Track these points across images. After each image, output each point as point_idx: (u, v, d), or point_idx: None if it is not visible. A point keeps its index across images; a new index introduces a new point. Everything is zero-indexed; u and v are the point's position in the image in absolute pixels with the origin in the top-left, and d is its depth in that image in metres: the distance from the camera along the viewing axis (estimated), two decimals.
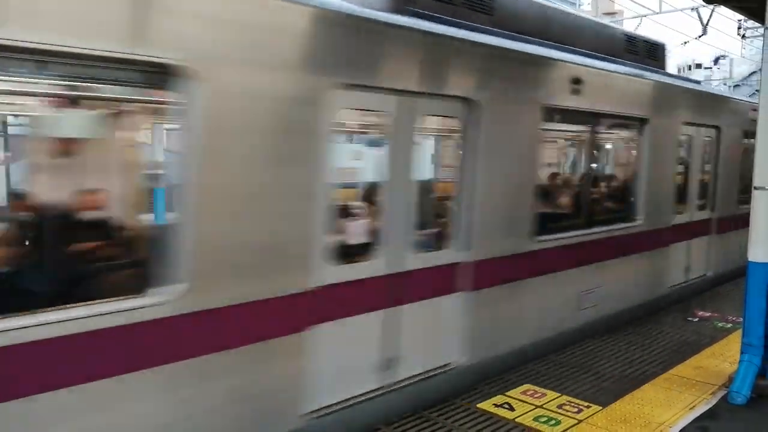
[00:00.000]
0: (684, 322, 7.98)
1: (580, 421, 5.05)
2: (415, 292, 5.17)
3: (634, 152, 8.23)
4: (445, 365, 5.48)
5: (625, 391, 5.66)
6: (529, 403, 5.36)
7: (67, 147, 4.15)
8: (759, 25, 13.79)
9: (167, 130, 4.03)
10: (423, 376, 5.29)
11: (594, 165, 7.99)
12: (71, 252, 3.90)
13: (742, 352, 5.74)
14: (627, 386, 5.79)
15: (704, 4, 11.25)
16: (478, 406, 5.28)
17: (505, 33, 6.03)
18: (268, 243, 4.08)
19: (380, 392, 4.96)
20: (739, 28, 21.75)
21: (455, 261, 5.50)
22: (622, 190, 8.29)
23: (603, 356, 6.60)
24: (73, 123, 4.17)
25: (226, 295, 3.85)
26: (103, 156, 4.50)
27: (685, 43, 22.66)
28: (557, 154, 8.72)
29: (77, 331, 3.27)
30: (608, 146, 8.84)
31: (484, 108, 5.45)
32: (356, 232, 4.97)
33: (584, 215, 7.30)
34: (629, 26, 19.08)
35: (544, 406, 5.33)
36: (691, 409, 5.34)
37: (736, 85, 34.56)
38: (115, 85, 3.74)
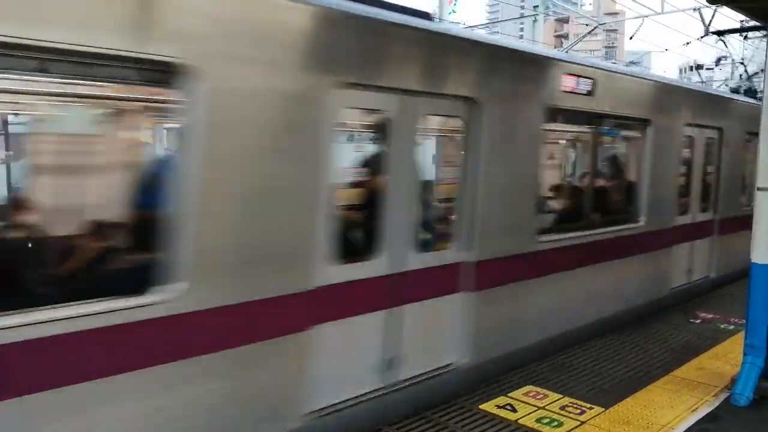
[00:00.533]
0: (686, 323, 7.98)
1: (582, 423, 5.05)
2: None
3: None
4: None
5: (627, 393, 5.65)
6: (532, 405, 5.35)
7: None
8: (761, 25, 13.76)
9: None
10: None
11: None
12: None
13: (744, 354, 5.72)
14: (629, 388, 5.78)
15: (707, 4, 11.23)
16: (481, 407, 5.28)
17: None
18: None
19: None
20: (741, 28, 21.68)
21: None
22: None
23: (605, 358, 6.59)
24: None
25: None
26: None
27: (687, 43, 22.59)
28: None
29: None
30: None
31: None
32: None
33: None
34: (631, 27, 19.07)
35: (546, 407, 5.32)
36: (693, 411, 5.33)
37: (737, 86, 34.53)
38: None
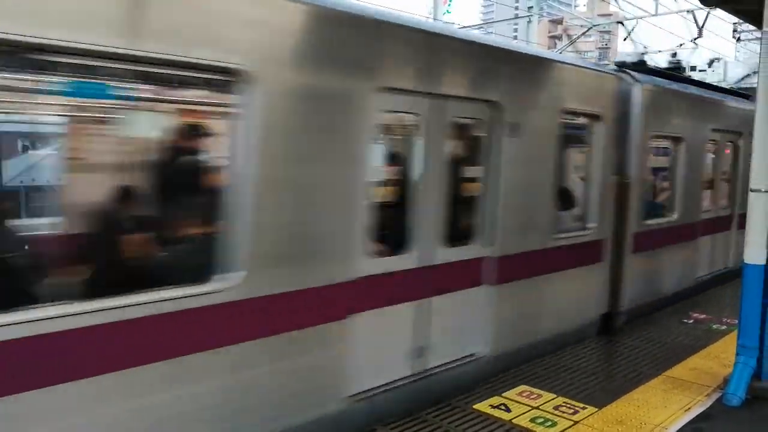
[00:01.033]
0: (679, 324, 8.01)
1: (576, 423, 5.06)
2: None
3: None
4: (470, 355, 5.77)
5: (620, 393, 5.67)
6: (526, 404, 5.36)
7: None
8: (754, 28, 13.85)
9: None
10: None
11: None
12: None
13: (737, 354, 5.75)
14: (622, 388, 5.80)
15: (701, 6, 11.27)
16: (475, 407, 5.28)
17: None
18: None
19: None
20: (734, 31, 21.82)
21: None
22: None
23: (599, 358, 6.61)
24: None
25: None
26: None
27: (681, 45, 22.69)
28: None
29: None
30: None
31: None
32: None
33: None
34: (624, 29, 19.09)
35: (540, 407, 5.33)
36: (686, 410, 5.35)
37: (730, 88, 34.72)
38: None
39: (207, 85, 3.97)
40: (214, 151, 4.41)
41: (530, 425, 4.99)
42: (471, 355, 5.77)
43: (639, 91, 7.75)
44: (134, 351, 3.53)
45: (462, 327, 5.69)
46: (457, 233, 5.61)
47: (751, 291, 5.70)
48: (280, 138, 4.08)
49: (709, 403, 5.53)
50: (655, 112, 8.10)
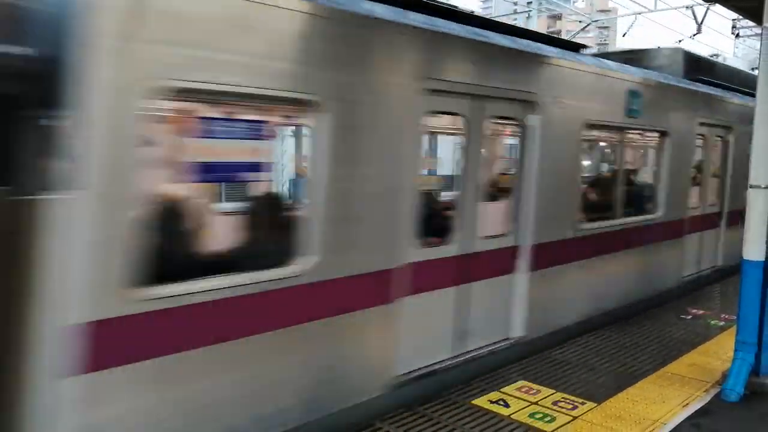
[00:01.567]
0: (678, 319, 8.02)
1: (574, 418, 5.06)
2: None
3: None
4: (505, 339, 6.21)
5: (619, 388, 5.68)
6: (524, 400, 5.37)
7: None
8: (753, 24, 13.81)
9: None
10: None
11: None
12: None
13: (735, 350, 5.76)
14: (621, 383, 5.81)
15: (701, 2, 11.25)
16: (473, 402, 5.29)
17: None
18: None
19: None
20: (733, 27, 21.79)
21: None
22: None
23: (597, 353, 6.62)
24: None
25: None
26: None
27: (680, 41, 22.66)
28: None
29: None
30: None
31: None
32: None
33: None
34: (624, 24, 19.09)
35: (539, 402, 5.34)
36: (684, 406, 5.36)
37: None
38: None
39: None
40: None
41: (529, 420, 4.99)
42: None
43: None
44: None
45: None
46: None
47: (749, 287, 5.71)
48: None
49: (707, 398, 5.54)
50: None
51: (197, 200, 4.48)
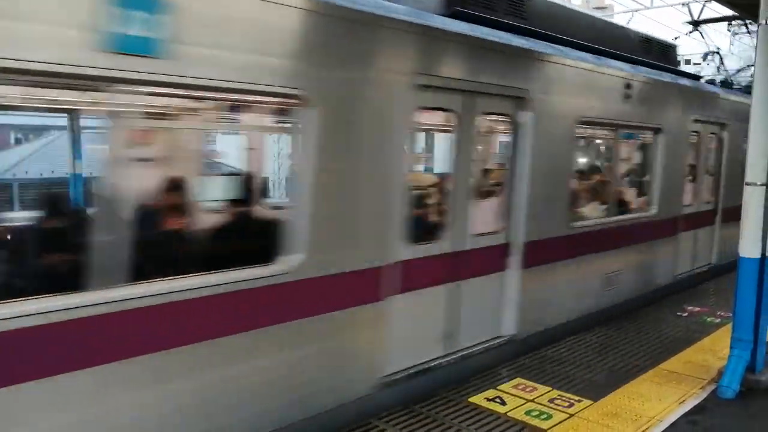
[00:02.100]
0: (674, 317, 8.03)
1: (571, 416, 5.06)
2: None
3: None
4: (497, 337, 6.20)
5: (615, 386, 5.68)
6: (521, 397, 5.37)
7: None
8: (749, 21, 13.82)
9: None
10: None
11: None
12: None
13: (731, 347, 5.77)
14: (617, 381, 5.81)
15: None
16: (470, 400, 5.28)
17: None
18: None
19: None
20: (729, 24, 21.76)
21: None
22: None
23: (593, 351, 6.62)
24: None
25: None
26: None
27: (676, 38, 22.67)
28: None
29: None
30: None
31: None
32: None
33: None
34: (619, 21, 19.08)
35: (535, 400, 5.34)
36: (680, 403, 5.37)
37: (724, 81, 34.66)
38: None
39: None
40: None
41: (525, 418, 4.99)
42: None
43: None
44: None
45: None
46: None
47: (745, 284, 5.71)
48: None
49: (703, 395, 5.54)
50: None
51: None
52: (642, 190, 8.91)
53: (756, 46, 5.75)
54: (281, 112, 4.54)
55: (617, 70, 7.57)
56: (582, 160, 8.87)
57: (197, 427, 3.90)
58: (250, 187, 5.40)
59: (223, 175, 6.21)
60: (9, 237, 5.04)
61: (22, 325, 3.14)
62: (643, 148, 9.14)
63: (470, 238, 5.79)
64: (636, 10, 19.53)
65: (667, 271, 9.14)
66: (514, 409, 5.15)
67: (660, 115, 8.45)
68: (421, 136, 6.78)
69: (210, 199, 5.52)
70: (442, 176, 5.75)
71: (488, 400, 5.30)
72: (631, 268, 8.27)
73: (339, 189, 4.57)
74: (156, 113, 4.31)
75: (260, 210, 5.31)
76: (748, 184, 5.63)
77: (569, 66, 6.74)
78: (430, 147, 7.50)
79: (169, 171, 4.82)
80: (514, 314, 6.26)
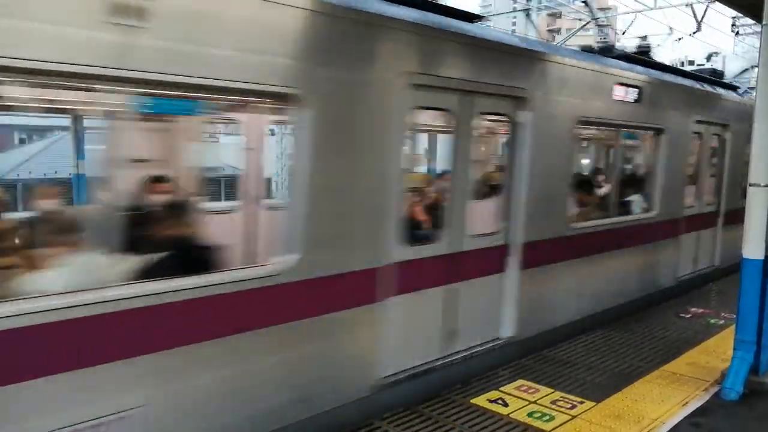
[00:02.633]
0: (677, 318, 8.01)
1: (573, 417, 5.05)
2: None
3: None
4: (495, 339, 6.13)
5: (618, 387, 5.66)
6: (523, 399, 5.35)
7: None
8: (753, 22, 13.79)
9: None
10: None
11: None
12: None
13: (735, 349, 5.74)
14: (620, 382, 5.79)
15: (701, 0, 11.21)
16: (472, 401, 5.27)
17: None
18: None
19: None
20: (733, 24, 21.73)
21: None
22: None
23: (596, 352, 6.60)
24: None
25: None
26: None
27: (679, 39, 22.62)
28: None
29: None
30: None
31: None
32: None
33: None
34: (623, 22, 19.07)
35: (537, 401, 5.32)
36: (684, 405, 5.35)
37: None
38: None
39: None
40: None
41: (528, 420, 4.98)
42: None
43: None
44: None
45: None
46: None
47: (749, 286, 5.69)
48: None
49: (706, 397, 5.52)
50: None
51: None
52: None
53: (760, 47, 5.73)
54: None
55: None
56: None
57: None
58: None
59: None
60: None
61: None
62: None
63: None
64: (640, 11, 19.47)
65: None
66: (516, 410, 5.13)
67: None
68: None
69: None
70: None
71: (491, 401, 5.29)
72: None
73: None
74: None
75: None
76: (751, 185, 5.61)
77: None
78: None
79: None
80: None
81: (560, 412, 5.14)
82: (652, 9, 18.89)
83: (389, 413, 4.95)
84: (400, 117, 4.93)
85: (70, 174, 6.65)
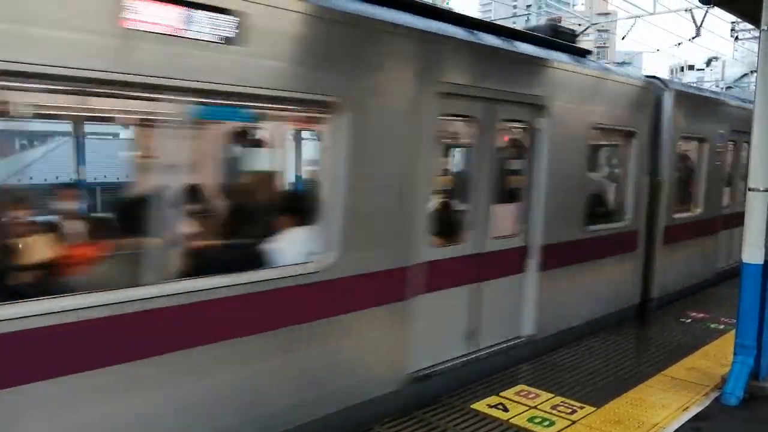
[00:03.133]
0: (677, 323, 8.00)
1: (574, 422, 5.04)
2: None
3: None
4: (516, 337, 6.35)
5: (618, 392, 5.66)
6: (523, 404, 5.35)
7: None
8: (752, 26, 13.83)
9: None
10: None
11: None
12: None
13: (735, 353, 5.74)
14: (620, 387, 5.79)
15: (699, 5, 11.25)
16: (472, 406, 5.27)
17: None
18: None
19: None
20: (732, 29, 21.81)
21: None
22: None
23: (596, 357, 6.60)
24: None
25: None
26: None
27: (679, 44, 22.67)
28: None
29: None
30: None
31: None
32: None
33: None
34: (623, 27, 19.11)
35: (538, 406, 5.32)
36: (684, 410, 5.34)
37: (728, 87, 34.69)
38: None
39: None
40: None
41: (528, 425, 4.97)
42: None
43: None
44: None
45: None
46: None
47: (749, 290, 5.69)
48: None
49: (707, 402, 5.52)
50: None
51: None
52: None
53: (758, 52, 5.75)
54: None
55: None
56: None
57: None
58: None
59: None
60: None
61: None
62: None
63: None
64: (638, 16, 19.53)
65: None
66: (516, 415, 5.13)
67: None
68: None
69: None
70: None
71: (490, 406, 5.28)
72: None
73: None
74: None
75: None
76: (750, 189, 5.62)
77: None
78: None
79: None
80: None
81: (560, 417, 5.13)
82: (651, 14, 18.94)
83: (389, 418, 4.94)
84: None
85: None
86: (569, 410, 5.27)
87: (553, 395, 5.55)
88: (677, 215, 8.81)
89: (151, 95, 3.63)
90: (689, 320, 8.13)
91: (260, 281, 4.11)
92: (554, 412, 5.23)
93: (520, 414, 5.16)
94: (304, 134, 7.57)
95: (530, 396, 5.52)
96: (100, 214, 7.13)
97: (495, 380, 5.82)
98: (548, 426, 4.96)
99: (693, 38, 17.33)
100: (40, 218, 5.12)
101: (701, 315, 8.34)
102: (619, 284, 7.90)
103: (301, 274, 4.30)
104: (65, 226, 5.03)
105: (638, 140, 7.87)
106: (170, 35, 3.52)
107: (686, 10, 16.89)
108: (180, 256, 3.87)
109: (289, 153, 6.99)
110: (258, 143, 6.50)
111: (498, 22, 7.58)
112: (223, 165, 6.22)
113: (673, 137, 8.44)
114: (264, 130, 6.45)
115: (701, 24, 16.64)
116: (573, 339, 6.96)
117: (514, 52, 6.05)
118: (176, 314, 3.71)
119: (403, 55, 4.93)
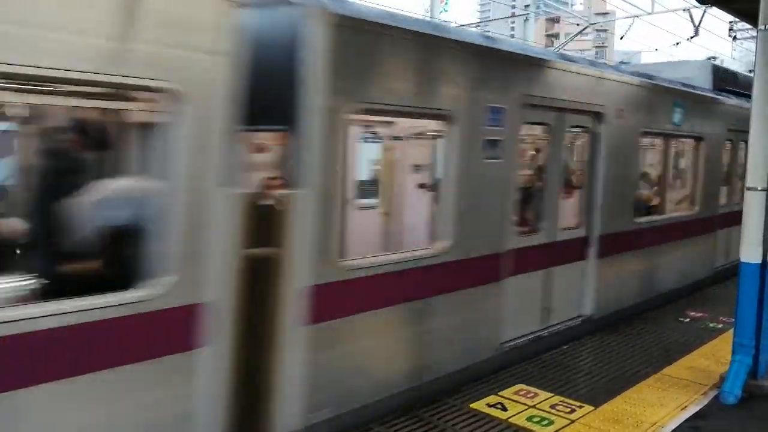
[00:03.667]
0: (675, 322, 8.02)
1: (572, 422, 5.06)
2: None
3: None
4: (579, 316, 7.28)
5: (617, 392, 5.67)
6: (522, 403, 5.36)
7: None
8: (750, 26, 13.83)
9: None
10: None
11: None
12: None
13: (733, 352, 5.76)
14: (619, 386, 5.80)
15: (697, 5, 11.27)
16: (471, 406, 5.28)
17: None
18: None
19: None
20: (730, 29, 21.82)
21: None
22: None
23: (595, 356, 6.61)
24: None
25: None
26: None
27: (677, 44, 22.68)
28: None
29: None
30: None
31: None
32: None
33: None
34: (621, 26, 19.10)
35: (536, 406, 5.33)
36: (683, 409, 5.36)
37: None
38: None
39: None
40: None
41: (527, 424, 4.98)
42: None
43: None
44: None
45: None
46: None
47: (746, 289, 5.71)
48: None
49: (705, 401, 5.53)
50: None
51: None
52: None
53: (756, 51, 5.76)
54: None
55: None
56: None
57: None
58: None
59: None
60: None
61: None
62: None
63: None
64: (637, 16, 19.54)
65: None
66: (515, 415, 5.14)
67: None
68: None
69: None
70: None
71: (489, 406, 5.30)
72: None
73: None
74: None
75: None
76: (748, 188, 5.63)
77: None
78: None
79: None
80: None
81: (559, 416, 5.15)
82: (649, 14, 18.95)
83: (389, 417, 4.95)
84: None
85: None
86: (568, 409, 5.28)
87: (551, 394, 5.56)
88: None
89: None
90: (688, 319, 8.14)
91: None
92: (553, 411, 5.24)
93: (518, 413, 5.17)
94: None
95: (529, 395, 5.54)
96: None
97: (494, 380, 5.83)
98: (547, 425, 4.97)
99: (691, 38, 17.34)
100: None
101: (700, 314, 8.36)
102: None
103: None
104: None
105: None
106: None
107: (684, 10, 16.89)
108: None
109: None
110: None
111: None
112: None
113: None
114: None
115: (699, 24, 16.64)
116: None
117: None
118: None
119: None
